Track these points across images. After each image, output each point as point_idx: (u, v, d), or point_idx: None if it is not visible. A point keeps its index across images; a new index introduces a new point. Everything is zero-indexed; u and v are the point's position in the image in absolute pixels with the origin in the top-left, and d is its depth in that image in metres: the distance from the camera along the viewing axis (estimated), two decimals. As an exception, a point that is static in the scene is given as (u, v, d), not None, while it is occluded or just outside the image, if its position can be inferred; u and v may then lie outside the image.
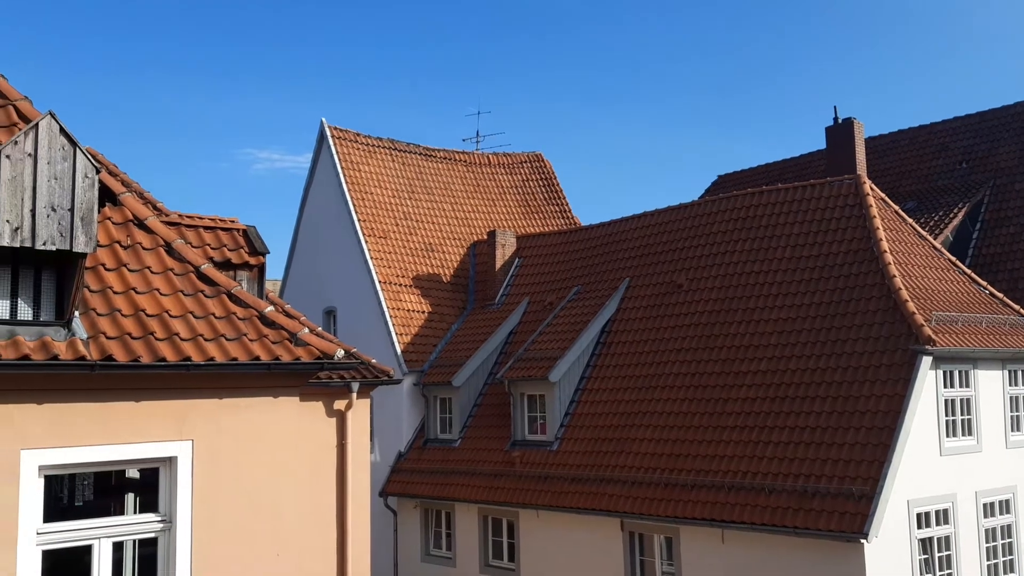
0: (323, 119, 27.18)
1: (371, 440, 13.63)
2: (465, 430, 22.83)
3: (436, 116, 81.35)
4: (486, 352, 23.48)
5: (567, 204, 31.30)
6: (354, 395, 11.64)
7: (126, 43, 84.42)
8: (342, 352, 9.29)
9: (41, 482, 7.61)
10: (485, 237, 27.30)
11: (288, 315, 10.53)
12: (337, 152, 26.82)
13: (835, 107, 34.22)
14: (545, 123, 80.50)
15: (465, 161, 30.58)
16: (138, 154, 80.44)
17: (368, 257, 25.13)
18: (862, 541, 14.46)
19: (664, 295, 21.28)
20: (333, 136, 27.13)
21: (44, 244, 7.39)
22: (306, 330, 9.23)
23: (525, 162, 31.95)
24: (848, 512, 14.78)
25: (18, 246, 7.29)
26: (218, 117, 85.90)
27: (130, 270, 8.74)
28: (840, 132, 23.77)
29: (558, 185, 31.66)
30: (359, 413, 11.85)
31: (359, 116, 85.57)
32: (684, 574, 17.34)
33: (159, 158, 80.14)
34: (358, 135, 27.93)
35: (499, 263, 25.91)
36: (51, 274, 7.83)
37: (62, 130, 7.53)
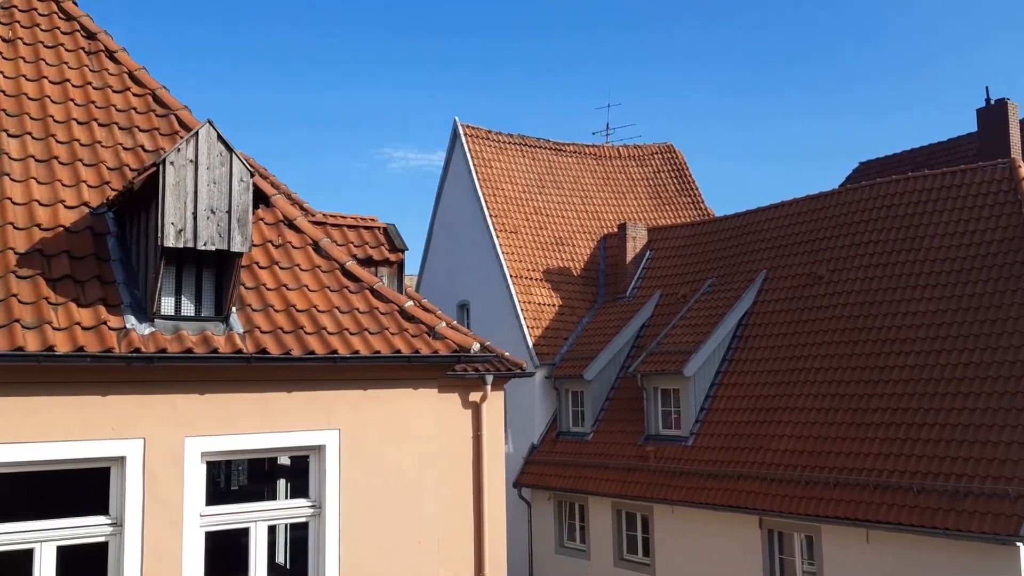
0: (456, 118, 27.73)
1: (505, 432, 13.89)
2: (597, 423, 22.84)
3: (566, 111, 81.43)
4: (617, 345, 23.40)
5: (700, 195, 30.75)
6: (488, 387, 11.90)
7: (271, 49, 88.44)
8: (478, 345, 9.48)
9: (203, 468, 8.12)
10: (615, 230, 27.18)
11: (426, 309, 10.85)
12: (469, 149, 27.30)
13: (987, 87, 32.21)
14: (677, 114, 79.24)
15: (595, 154, 30.51)
16: (282, 155, 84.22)
17: (499, 252, 25.48)
18: (1018, 544, 13.64)
19: (804, 287, 20.63)
20: (466, 134, 27.62)
21: (204, 244, 7.87)
22: (443, 324, 9.47)
23: (656, 153, 31.58)
24: (1003, 513, 13.98)
25: (181, 247, 7.79)
26: (356, 119, 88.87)
27: (281, 268, 9.20)
28: (992, 114, 22.38)
29: (690, 176, 31.15)
30: (494, 405, 12.11)
31: (491, 113, 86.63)
32: (826, 574, 16.80)
33: (301, 159, 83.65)
34: (489, 132, 28.33)
35: (630, 256, 25.74)
36: (211, 273, 8.33)
37: (219, 137, 8.00)
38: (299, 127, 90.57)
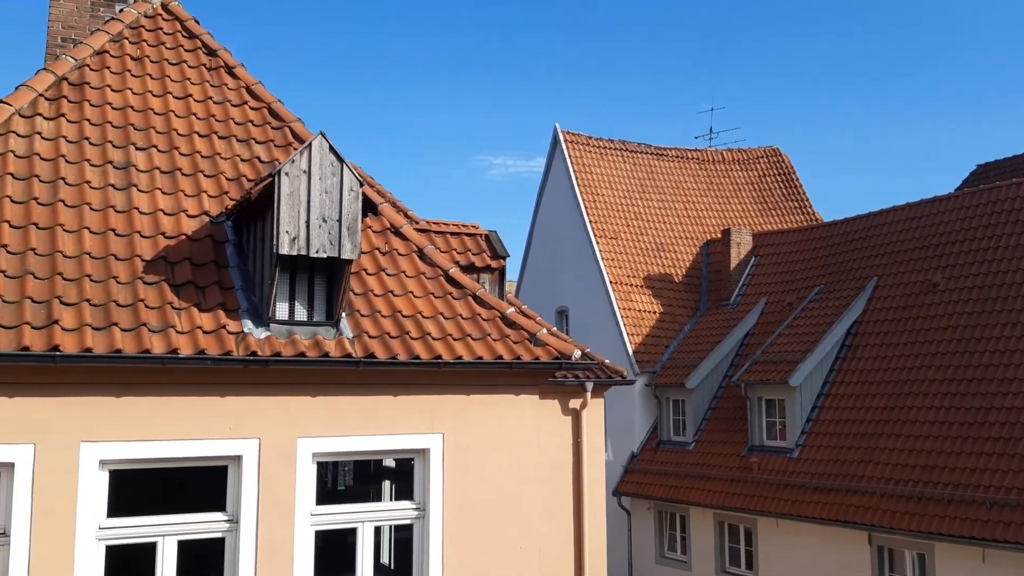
0: (556, 124, 27.82)
1: (604, 439, 13.84)
2: (699, 433, 22.49)
3: (667, 115, 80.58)
4: (721, 354, 23.00)
5: (807, 200, 29.95)
6: (588, 394, 11.88)
7: (373, 61, 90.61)
8: (579, 352, 9.50)
9: (314, 468, 8.40)
10: (719, 236, 26.74)
11: (527, 316, 10.92)
12: (569, 155, 27.33)
13: (1122, 82, 30.25)
14: (783, 117, 77.37)
15: (698, 159, 30.11)
16: (384, 163, 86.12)
17: (599, 258, 25.40)
18: None
19: (918, 295, 19.85)
20: (566, 140, 27.67)
21: (316, 252, 8.15)
22: (544, 330, 9.52)
23: (761, 157, 30.94)
24: None
25: (295, 254, 8.10)
26: (455, 127, 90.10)
27: (388, 274, 9.43)
28: None
29: (798, 180, 30.38)
30: (593, 412, 12.08)
31: (591, 119, 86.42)
32: (941, 596, 16.11)
33: (402, 167, 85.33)
34: (590, 138, 28.30)
35: (734, 262, 25.28)
36: (322, 279, 8.62)
37: (331, 148, 8.28)
38: (399, 136, 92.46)
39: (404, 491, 9.34)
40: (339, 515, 8.61)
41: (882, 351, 19.62)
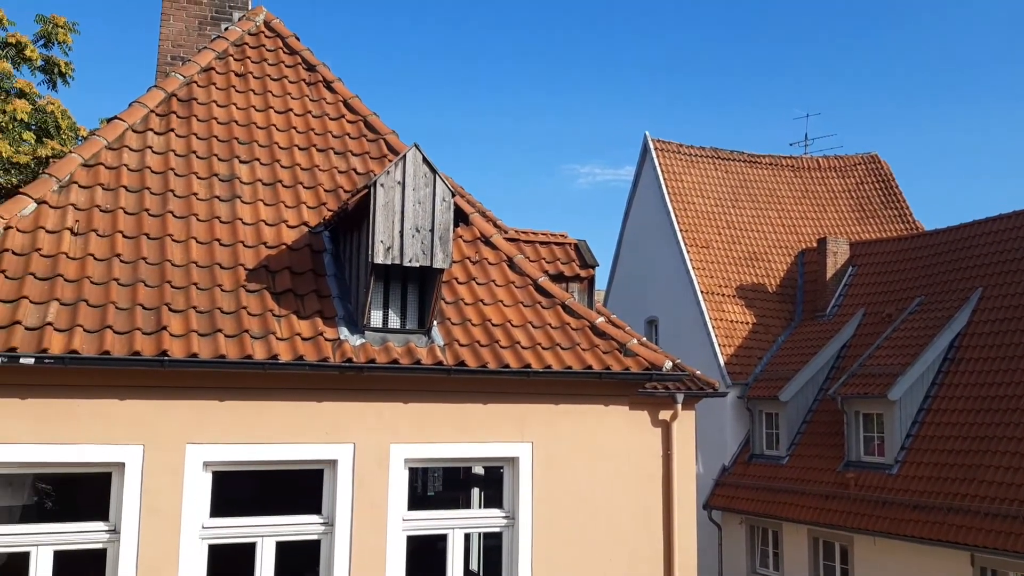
0: (647, 132, 27.62)
1: (695, 452, 13.63)
2: (793, 447, 21.95)
3: (761, 122, 79.08)
4: (816, 366, 22.41)
5: (907, 208, 28.96)
6: (679, 406, 11.71)
7: (460, 73, 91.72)
8: (670, 363, 9.41)
9: (406, 473, 8.55)
10: (814, 245, 26.07)
11: (616, 326, 10.87)
12: (660, 163, 27.10)
13: None
14: (882, 123, 75.01)
15: (792, 166, 29.45)
16: (472, 173, 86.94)
17: (690, 267, 25.08)
18: None
19: (1026, 307, 18.96)
20: (656, 148, 27.45)
21: (410, 261, 8.32)
22: (635, 341, 9.47)
23: (859, 164, 30.07)
24: None
25: (389, 263, 8.28)
26: (542, 136, 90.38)
27: (478, 283, 9.54)
28: None
29: (897, 188, 29.40)
30: (684, 424, 11.90)
31: (681, 126, 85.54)
32: (1053, 624, 15.30)
33: (489, 176, 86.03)
34: (680, 146, 28.01)
35: (830, 272, 24.61)
36: (415, 288, 8.78)
37: (425, 159, 8.44)
38: (487, 146, 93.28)
39: (493, 499, 9.41)
40: (430, 521, 8.73)
41: (987, 365, 18.80)
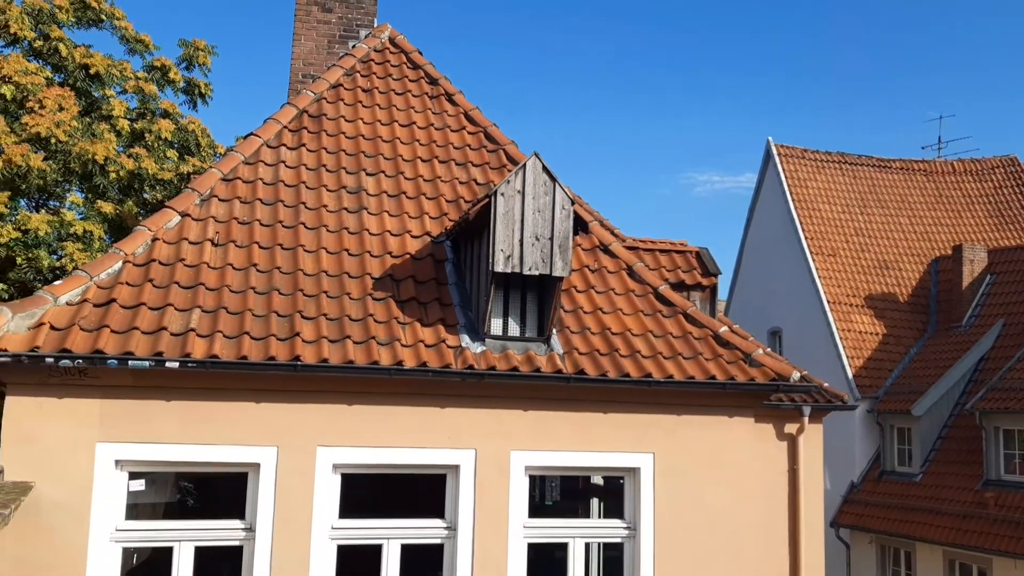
0: (769, 138, 26.96)
1: (822, 467, 13.19)
2: (927, 464, 20.92)
3: (889, 126, 75.93)
4: (951, 379, 21.30)
5: (1052, 213, 27.22)
6: (806, 419, 11.34)
7: (572, 82, 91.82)
8: (797, 375, 9.13)
9: (526, 481, 8.59)
10: (949, 252, 24.82)
11: (739, 335, 10.63)
12: (783, 170, 26.39)
13: None
14: (1022, 124, 70.80)
15: (925, 170, 28.15)
16: (588, 182, 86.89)
17: (816, 276, 24.28)
18: None
19: None
20: (779, 154, 26.75)
21: (529, 269, 8.38)
22: (760, 351, 9.24)
23: (997, 167, 28.48)
24: None
25: (509, 272, 8.36)
26: (660, 145, 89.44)
27: (597, 292, 9.51)
28: None
29: (1040, 191, 27.69)
30: (811, 438, 11.51)
31: (804, 131, 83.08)
32: None
33: (604, 186, 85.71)
34: (805, 151, 27.20)
35: (967, 281, 23.36)
36: (534, 296, 8.83)
37: (544, 168, 8.50)
38: (602, 155, 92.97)
39: (613, 509, 9.35)
40: (551, 529, 8.74)
41: None
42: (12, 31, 13.82)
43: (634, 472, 8.84)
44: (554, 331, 8.80)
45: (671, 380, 8.58)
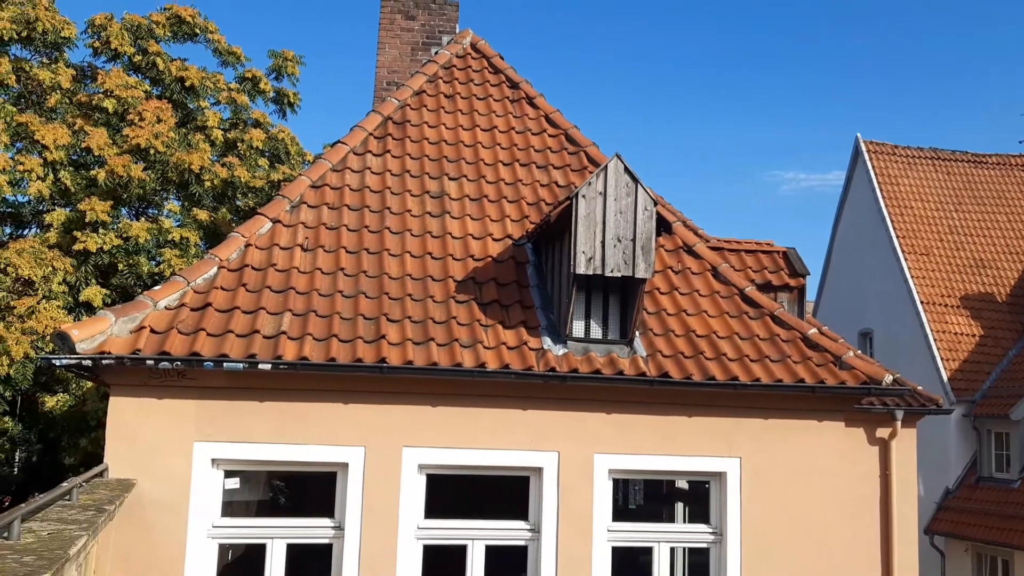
0: (858, 135, 26.23)
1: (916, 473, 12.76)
2: (1028, 471, 20.04)
3: (983, 122, 72.96)
4: (1055, 383, 20.35)
5: None
6: (899, 423, 11.00)
7: (657, 81, 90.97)
8: (890, 377, 8.87)
9: (610, 484, 8.56)
10: (1052, 250, 23.71)
11: (829, 337, 10.38)
12: (873, 166, 25.63)
13: None
14: None
15: (1023, 165, 26.97)
16: (669, 183, 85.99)
17: (908, 276, 23.51)
18: None
19: None
20: (868, 151, 26.00)
21: (611, 271, 8.36)
22: (851, 353, 9.01)
23: (1103, 160, 27.08)
24: None
25: (591, 273, 8.36)
26: (742, 143, 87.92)
27: (681, 293, 9.42)
28: None
29: None
30: (904, 443, 11.16)
31: (893, 126, 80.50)
32: None
33: (686, 186, 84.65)
34: (895, 147, 26.37)
35: (1071, 280, 22.29)
36: (616, 298, 8.80)
37: (626, 169, 8.47)
38: (683, 154, 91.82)
39: (698, 514, 9.24)
40: (636, 533, 8.70)
41: None
42: (113, 47, 14.46)
43: (720, 477, 8.72)
44: (637, 333, 8.75)
45: (758, 383, 8.45)
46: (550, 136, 11.04)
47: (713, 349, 8.75)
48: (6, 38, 13.41)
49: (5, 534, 4.67)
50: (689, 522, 9.83)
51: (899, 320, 23.66)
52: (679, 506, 11.88)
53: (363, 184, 9.88)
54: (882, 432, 11.07)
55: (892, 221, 24.54)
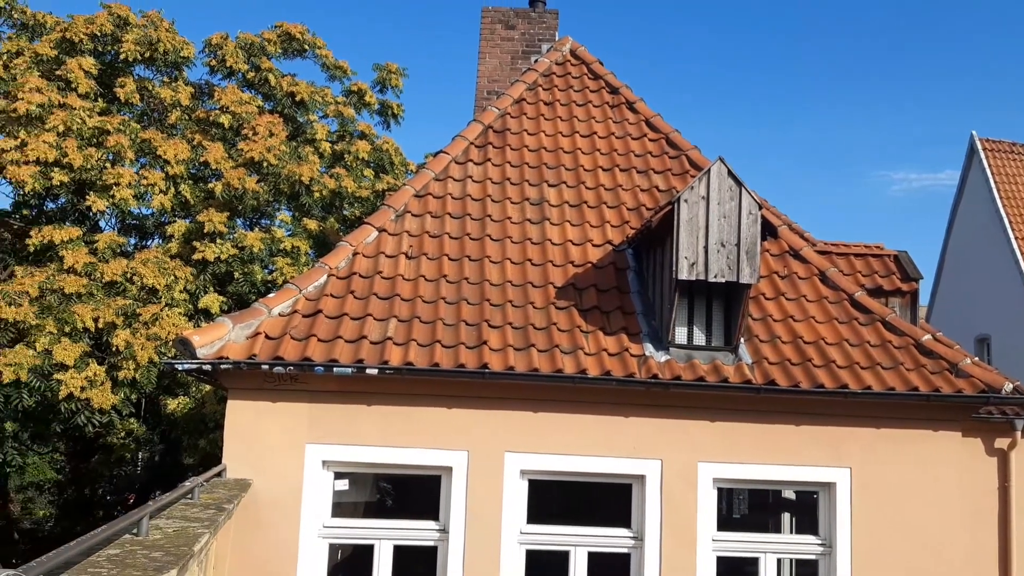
0: (973, 132, 25.10)
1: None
2: None
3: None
4: None
5: None
6: (1019, 433, 10.49)
7: (762, 84, 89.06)
8: (1010, 386, 8.48)
9: (715, 493, 8.44)
10: None
11: (943, 344, 10.00)
12: (989, 165, 24.48)
13: None
14: None
15: None
16: (773, 185, 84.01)
17: (1029, 279, 22.35)
18: None
19: None
20: (984, 148, 24.85)
21: (715, 277, 8.26)
22: (967, 360, 8.65)
23: None
24: None
25: (693, 279, 8.28)
26: (848, 143, 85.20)
27: (787, 299, 9.23)
28: None
29: None
30: None
31: (1009, 124, 76.63)
32: None
33: (790, 188, 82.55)
34: (1014, 145, 25.13)
35: None
36: (720, 304, 8.68)
37: (730, 173, 8.36)
38: (787, 156, 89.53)
39: (806, 525, 9.03)
40: (742, 543, 8.56)
41: None
42: (228, 64, 15.13)
43: (829, 487, 8.50)
44: (742, 340, 8.62)
45: (869, 391, 8.21)
46: (650, 140, 10.99)
47: (821, 356, 8.54)
48: (131, 59, 14.18)
49: (135, 530, 4.95)
50: (797, 533, 9.59)
51: (1018, 325, 22.49)
52: (785, 516, 11.61)
53: (464, 192, 10.05)
54: (1001, 442, 10.57)
55: (1010, 221, 23.37)
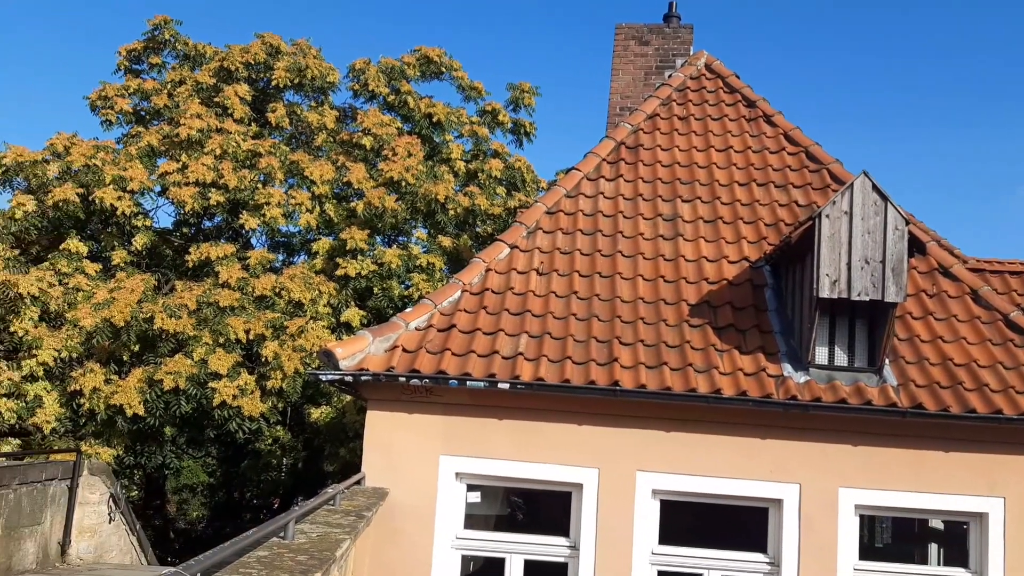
0: None
1: None
2: None
3: None
4: None
5: None
6: None
7: (906, 99, 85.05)
8: None
9: (856, 520, 8.09)
10: None
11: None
12: None
13: None
14: None
15: None
16: (917, 200, 79.89)
17: None
18: None
19: None
20: None
21: (858, 295, 7.95)
22: None
23: None
24: None
25: (835, 297, 7.99)
26: (999, 155, 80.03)
27: (936, 319, 8.78)
28: None
29: None
30: None
31: None
32: None
33: (938, 203, 78.19)
34: None
35: None
36: (863, 323, 8.34)
37: (875, 187, 8.04)
38: (933, 170, 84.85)
39: (954, 557, 8.54)
40: (886, 574, 8.17)
41: None
42: (371, 88, 15.78)
43: (981, 517, 8.01)
44: (887, 361, 8.26)
45: (1025, 417, 7.69)
46: (789, 154, 10.70)
47: (973, 379, 8.08)
48: (282, 85, 15.01)
49: (282, 534, 5.22)
50: (945, 565, 9.07)
51: None
52: (932, 547, 11.00)
53: (596, 209, 10.06)
54: None
55: None
